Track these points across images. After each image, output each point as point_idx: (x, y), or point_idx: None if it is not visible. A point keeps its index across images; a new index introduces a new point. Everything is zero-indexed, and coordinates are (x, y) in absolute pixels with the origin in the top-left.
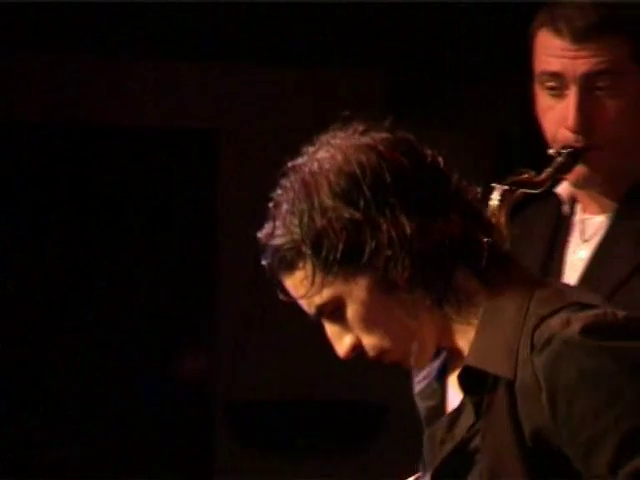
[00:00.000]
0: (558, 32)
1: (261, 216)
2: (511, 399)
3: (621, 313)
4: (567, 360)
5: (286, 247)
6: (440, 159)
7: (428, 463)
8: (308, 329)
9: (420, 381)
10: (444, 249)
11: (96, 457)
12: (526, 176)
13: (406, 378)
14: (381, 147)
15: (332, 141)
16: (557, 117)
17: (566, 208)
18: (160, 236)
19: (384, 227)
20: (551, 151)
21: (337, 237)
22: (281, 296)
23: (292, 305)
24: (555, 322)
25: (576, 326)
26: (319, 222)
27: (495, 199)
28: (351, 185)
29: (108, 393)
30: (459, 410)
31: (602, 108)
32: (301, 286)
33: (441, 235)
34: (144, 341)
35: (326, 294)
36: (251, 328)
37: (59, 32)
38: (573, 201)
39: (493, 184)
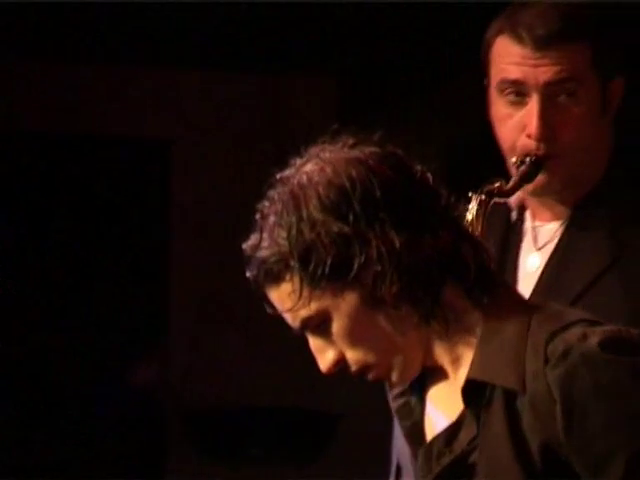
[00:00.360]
0: (519, 39)
1: (214, 225)
2: (511, 413)
3: (635, 331)
4: (585, 373)
5: (273, 259)
6: (429, 175)
7: (421, 477)
8: (261, 337)
9: (396, 397)
10: (432, 265)
11: (47, 464)
12: (498, 185)
13: (360, 387)
14: (371, 161)
15: (321, 154)
16: (516, 125)
17: (514, 215)
18: (113, 245)
19: (373, 242)
20: (513, 159)
21: (326, 251)
22: (268, 309)
23: (246, 313)
24: (570, 336)
25: (594, 340)
26: (308, 235)
27: (472, 209)
28: (341, 199)
29: (60, 401)
30: (458, 423)
31: (563, 116)
32: (287, 299)
33: (430, 251)
34: (97, 349)
35: (312, 308)
36: (204, 336)
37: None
38: (521, 208)
39: (470, 193)
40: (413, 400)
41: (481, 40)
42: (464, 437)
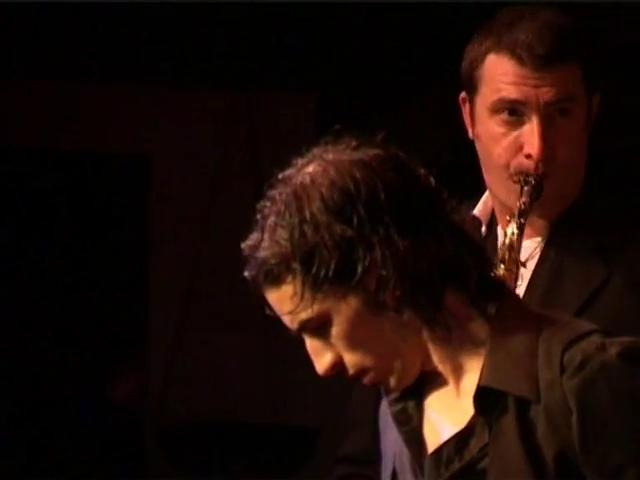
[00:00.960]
0: (518, 59)
1: (192, 240)
2: (524, 422)
3: None
4: (603, 383)
5: (273, 261)
6: (432, 178)
7: None
8: (241, 352)
9: (393, 403)
10: (435, 271)
11: (21, 477)
12: (523, 207)
13: (340, 401)
14: (374, 163)
15: (324, 155)
16: (512, 144)
17: (484, 230)
18: (91, 259)
19: (377, 246)
20: (514, 179)
21: (329, 254)
22: (267, 311)
23: (225, 328)
24: (588, 346)
25: (613, 351)
26: (311, 237)
27: (513, 232)
28: (345, 201)
29: (37, 415)
30: (469, 430)
31: (559, 135)
32: (288, 302)
33: (433, 256)
34: (75, 364)
35: (313, 310)
36: (183, 350)
37: None
38: (491, 224)
39: (507, 217)
40: (411, 405)
41: (460, 55)
42: (475, 445)
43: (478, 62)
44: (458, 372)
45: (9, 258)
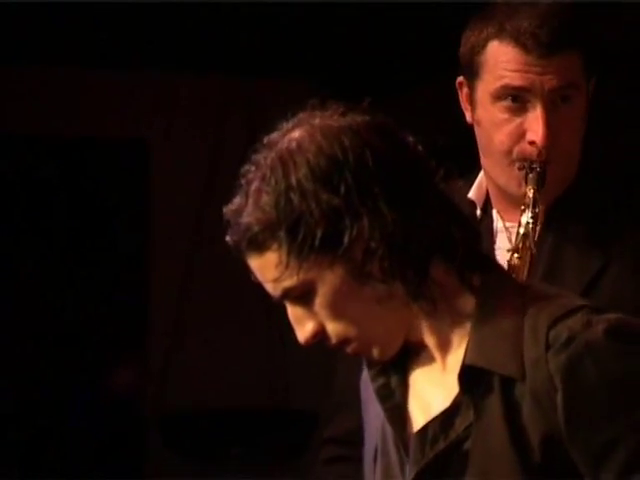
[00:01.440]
0: (522, 47)
1: (193, 227)
2: (509, 401)
3: (638, 320)
4: (589, 361)
5: (257, 228)
6: (420, 147)
7: (413, 462)
8: (240, 337)
9: (375, 377)
10: (422, 242)
11: (23, 471)
12: (534, 195)
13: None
14: (363, 130)
15: (311, 120)
16: (515, 131)
17: (479, 213)
18: (92, 247)
19: (365, 216)
20: (518, 165)
21: (315, 223)
22: (253, 277)
23: (224, 313)
24: (574, 322)
25: (599, 328)
26: (297, 206)
27: (528, 221)
28: (332, 168)
29: (38, 404)
30: (454, 409)
31: (561, 122)
32: (271, 269)
33: (420, 227)
34: (75, 353)
35: (297, 279)
36: (182, 336)
37: None
38: (486, 207)
39: (522, 207)
40: (394, 381)
41: (456, 41)
42: (460, 423)
43: (479, 48)
44: (444, 346)
45: (8, 245)
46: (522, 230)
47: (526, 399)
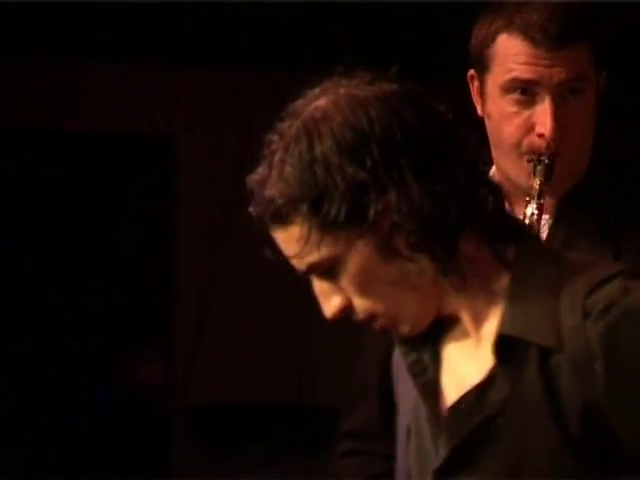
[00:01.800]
0: (531, 40)
1: (216, 221)
2: (547, 372)
3: None
4: (628, 328)
5: (281, 201)
6: (449, 113)
7: (448, 437)
8: (264, 332)
9: (407, 353)
10: (452, 216)
11: (49, 461)
12: (540, 187)
13: None
14: (391, 100)
15: (336, 89)
16: (524, 123)
17: None
18: (116, 240)
19: (391, 190)
20: (527, 157)
21: (340, 197)
22: (270, 253)
23: (250, 306)
24: (611, 290)
25: (637, 294)
26: (321, 179)
27: (533, 213)
28: (358, 141)
29: (63, 397)
30: (489, 381)
31: (571, 115)
32: (295, 244)
33: (450, 201)
34: (100, 345)
35: (321, 254)
36: (208, 330)
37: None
38: None
39: (527, 198)
40: (426, 357)
41: (465, 37)
42: (495, 396)
43: (489, 41)
44: (477, 319)
45: (34, 236)
46: (527, 222)
47: (564, 369)
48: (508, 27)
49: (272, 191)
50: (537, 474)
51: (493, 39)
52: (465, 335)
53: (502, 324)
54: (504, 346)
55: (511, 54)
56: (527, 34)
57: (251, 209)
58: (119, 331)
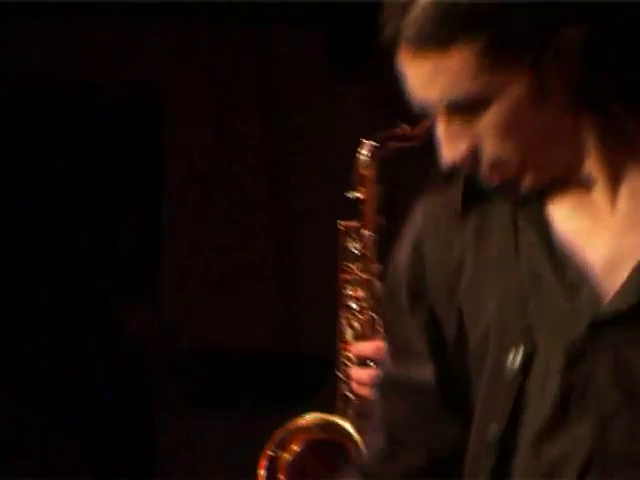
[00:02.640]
0: None
1: (202, 171)
2: None
3: None
4: None
5: (437, 22)
6: None
7: (561, 335)
8: (252, 280)
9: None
10: (619, 67)
11: (33, 422)
12: (399, 130)
13: None
14: None
15: None
16: None
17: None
18: (102, 191)
19: (562, 28)
20: None
21: (507, 25)
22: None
23: (236, 253)
24: None
25: None
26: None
27: (364, 154)
28: None
29: (46, 348)
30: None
31: None
32: (448, 73)
33: (618, 45)
34: (84, 295)
35: (472, 88)
36: (195, 277)
37: None
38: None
39: (362, 139)
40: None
41: None
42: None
43: None
44: (614, 190)
45: (20, 187)
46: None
47: None
48: None
49: (426, 10)
50: None
51: None
52: (593, 202)
53: None
54: None
55: None
56: None
57: (385, 34)
58: (104, 281)
